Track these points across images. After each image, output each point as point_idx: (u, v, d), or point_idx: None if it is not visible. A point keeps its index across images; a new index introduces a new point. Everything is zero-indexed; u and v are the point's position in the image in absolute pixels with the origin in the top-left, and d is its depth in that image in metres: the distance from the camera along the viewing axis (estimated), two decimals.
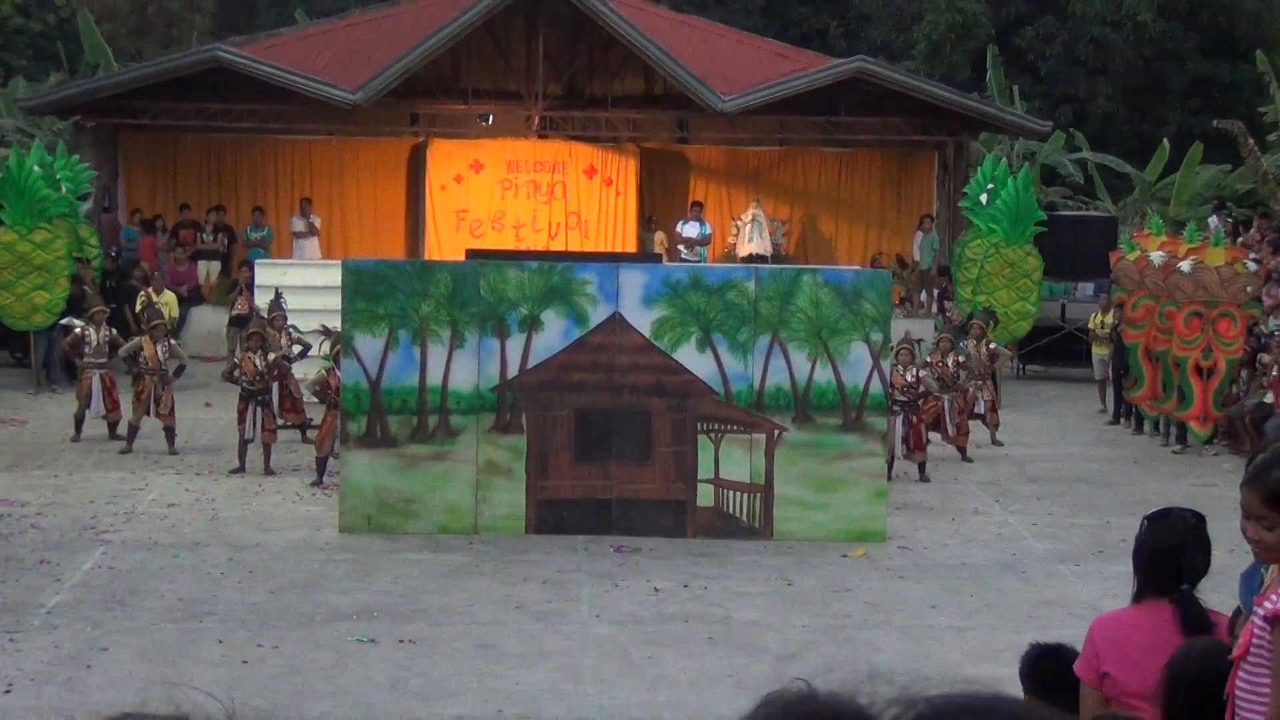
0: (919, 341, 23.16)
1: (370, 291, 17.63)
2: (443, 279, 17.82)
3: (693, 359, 17.70)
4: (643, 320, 17.66)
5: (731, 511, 17.80)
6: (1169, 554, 6.45)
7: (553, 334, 17.67)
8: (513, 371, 17.69)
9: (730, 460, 17.78)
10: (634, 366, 17.71)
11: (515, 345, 17.66)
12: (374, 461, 17.64)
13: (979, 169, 30.70)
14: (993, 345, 24.49)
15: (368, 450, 17.65)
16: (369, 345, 17.63)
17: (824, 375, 17.82)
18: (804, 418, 17.80)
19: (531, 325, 17.65)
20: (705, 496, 17.78)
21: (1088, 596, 15.09)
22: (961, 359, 23.18)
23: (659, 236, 35.45)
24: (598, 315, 17.66)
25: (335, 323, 18.90)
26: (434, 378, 17.66)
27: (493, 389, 17.68)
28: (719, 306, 17.74)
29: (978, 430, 23.78)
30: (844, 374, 17.82)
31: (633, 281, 17.79)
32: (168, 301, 28.20)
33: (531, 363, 17.68)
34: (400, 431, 17.65)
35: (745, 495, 17.79)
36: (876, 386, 17.93)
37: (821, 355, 17.81)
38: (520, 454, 17.69)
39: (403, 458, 17.64)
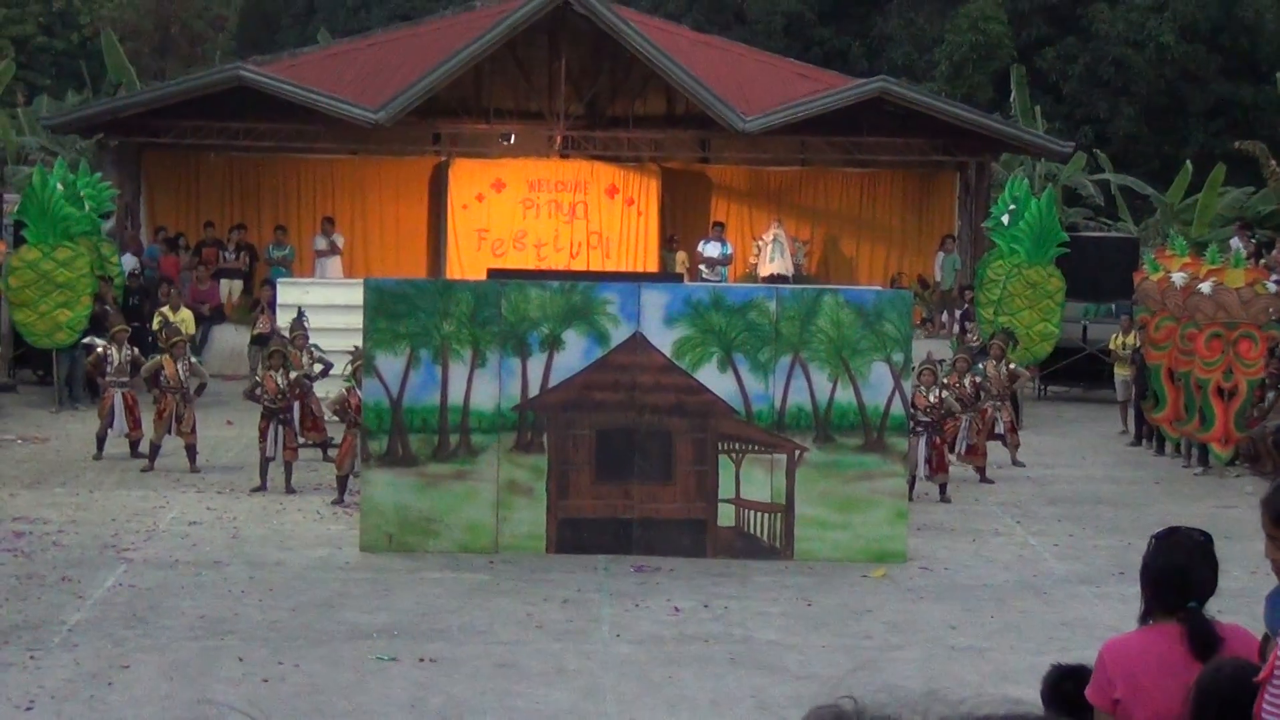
0: (940, 362, 23.14)
1: (392, 310, 17.64)
2: (464, 298, 17.83)
3: (714, 379, 17.69)
4: (664, 340, 17.66)
5: (752, 531, 17.78)
6: (1176, 572, 6.43)
7: (574, 353, 17.66)
8: (534, 391, 17.69)
9: (751, 480, 17.76)
10: (655, 386, 17.71)
11: (536, 365, 17.66)
12: (395, 480, 17.64)
13: (1005, 189, 30.70)
14: (1012, 365, 24.44)
15: (389, 469, 17.66)
16: (390, 364, 17.63)
17: (845, 395, 17.80)
18: (825, 438, 17.78)
19: (553, 345, 17.65)
20: (726, 516, 17.76)
21: (1109, 618, 15.05)
22: (978, 379, 23.15)
23: (680, 256, 35.48)
24: (619, 335, 17.66)
25: (359, 341, 18.92)
26: (455, 397, 17.66)
27: (514, 408, 17.69)
28: (740, 326, 17.73)
29: (998, 451, 23.76)
30: (865, 394, 17.81)
31: (654, 301, 17.78)
32: (184, 319, 28.24)
33: (553, 382, 17.68)
34: (421, 450, 17.65)
35: (766, 515, 17.77)
36: (897, 407, 17.91)
37: (843, 375, 17.79)
38: (541, 473, 17.68)
39: (424, 477, 17.64)
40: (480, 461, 17.64)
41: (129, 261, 32.72)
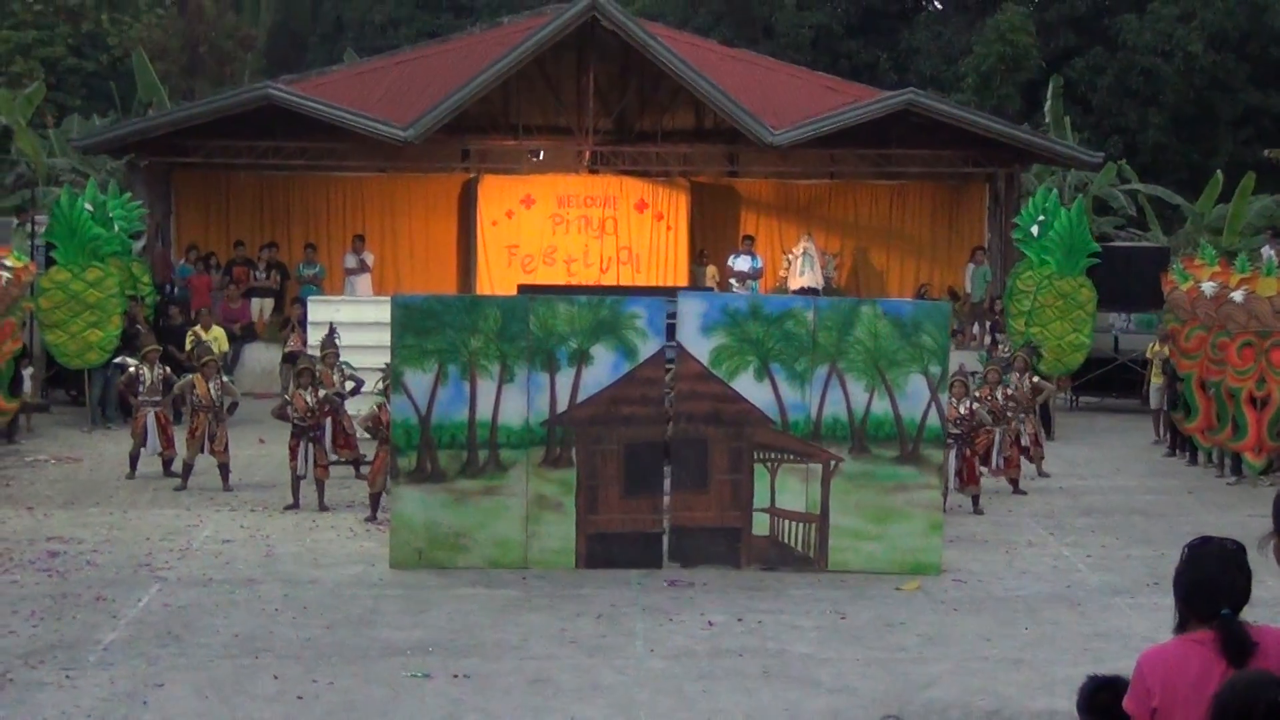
0: (972, 374, 23.09)
1: (419, 327, 17.63)
2: (492, 314, 17.81)
3: (750, 388, 17.67)
4: (701, 348, 17.64)
5: (786, 541, 17.76)
6: (1210, 581, 6.41)
7: (602, 368, 17.65)
8: (562, 406, 17.68)
9: (786, 490, 17.74)
10: (691, 394, 17.71)
11: (565, 379, 17.65)
12: (424, 496, 17.63)
13: (1031, 200, 30.64)
14: (1036, 379, 24.40)
15: (418, 485, 17.64)
16: (418, 380, 17.62)
17: (881, 406, 17.76)
18: (860, 449, 17.75)
19: (581, 359, 17.63)
20: (760, 525, 17.74)
21: (1143, 629, 14.99)
22: (1010, 391, 23.12)
23: (710, 270, 35.49)
24: (647, 349, 17.64)
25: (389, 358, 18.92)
26: (483, 412, 17.64)
27: (542, 423, 17.67)
28: (777, 336, 17.70)
29: (1027, 463, 23.69)
30: (901, 406, 17.76)
31: (691, 310, 17.78)
32: (216, 337, 28.33)
33: (581, 397, 17.67)
34: (450, 466, 17.63)
35: (800, 525, 17.75)
36: (933, 419, 17.86)
37: (879, 386, 17.75)
38: (570, 488, 17.66)
39: (452, 492, 17.62)
40: (509, 477, 17.63)
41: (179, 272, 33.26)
